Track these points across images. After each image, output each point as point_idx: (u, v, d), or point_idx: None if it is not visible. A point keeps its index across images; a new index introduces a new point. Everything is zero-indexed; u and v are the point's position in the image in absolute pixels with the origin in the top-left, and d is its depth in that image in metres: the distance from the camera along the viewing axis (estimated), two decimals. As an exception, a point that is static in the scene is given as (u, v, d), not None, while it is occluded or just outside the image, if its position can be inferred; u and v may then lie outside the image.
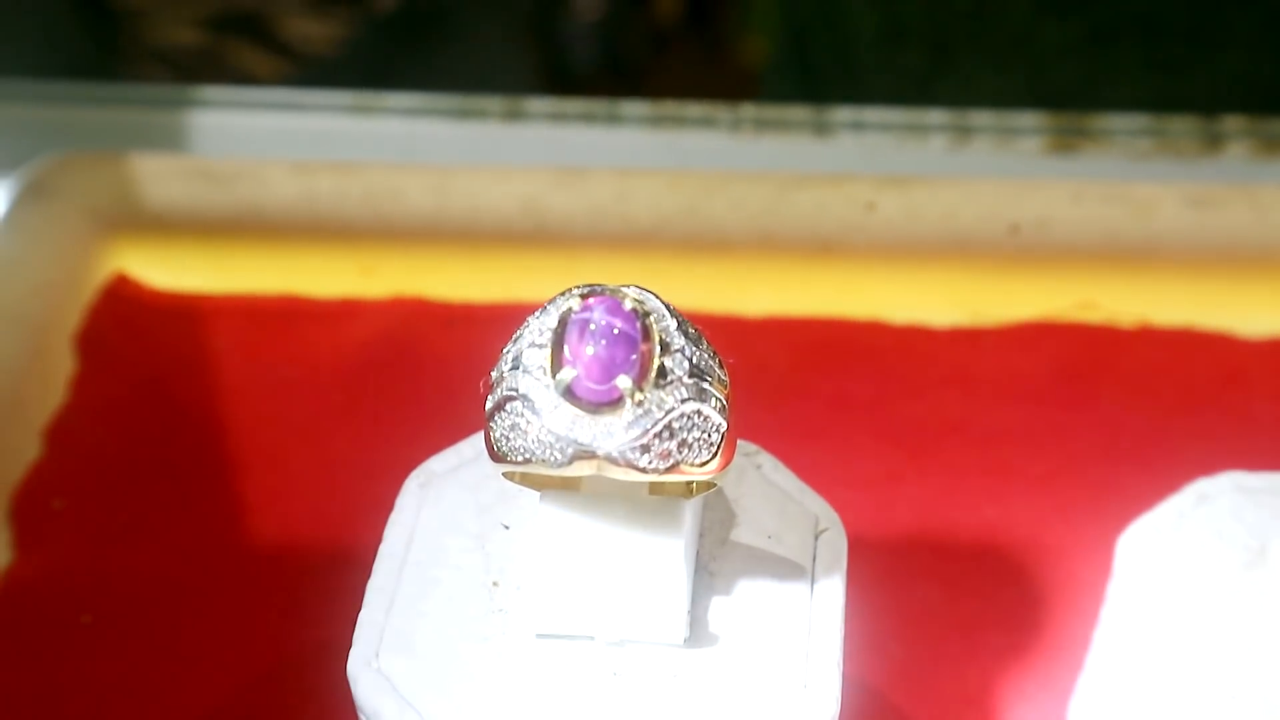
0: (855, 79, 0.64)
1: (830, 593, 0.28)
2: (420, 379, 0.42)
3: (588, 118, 0.52)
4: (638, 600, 0.27)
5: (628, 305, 0.25)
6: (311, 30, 0.70)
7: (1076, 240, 0.43)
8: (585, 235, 0.43)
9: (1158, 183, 0.43)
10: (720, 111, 0.53)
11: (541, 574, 0.27)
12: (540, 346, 0.25)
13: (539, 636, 0.27)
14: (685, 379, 0.25)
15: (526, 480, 0.27)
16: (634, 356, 0.24)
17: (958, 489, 0.39)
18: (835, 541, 0.29)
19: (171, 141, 0.49)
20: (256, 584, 0.37)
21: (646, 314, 0.25)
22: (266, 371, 0.42)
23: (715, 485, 0.27)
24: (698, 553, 0.29)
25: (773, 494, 0.30)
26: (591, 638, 0.27)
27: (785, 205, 0.43)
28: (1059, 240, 0.43)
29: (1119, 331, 0.43)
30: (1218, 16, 0.59)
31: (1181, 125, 0.52)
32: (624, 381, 0.24)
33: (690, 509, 0.27)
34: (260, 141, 0.48)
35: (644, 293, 0.26)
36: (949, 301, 0.44)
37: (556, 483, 0.27)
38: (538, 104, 0.52)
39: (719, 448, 0.25)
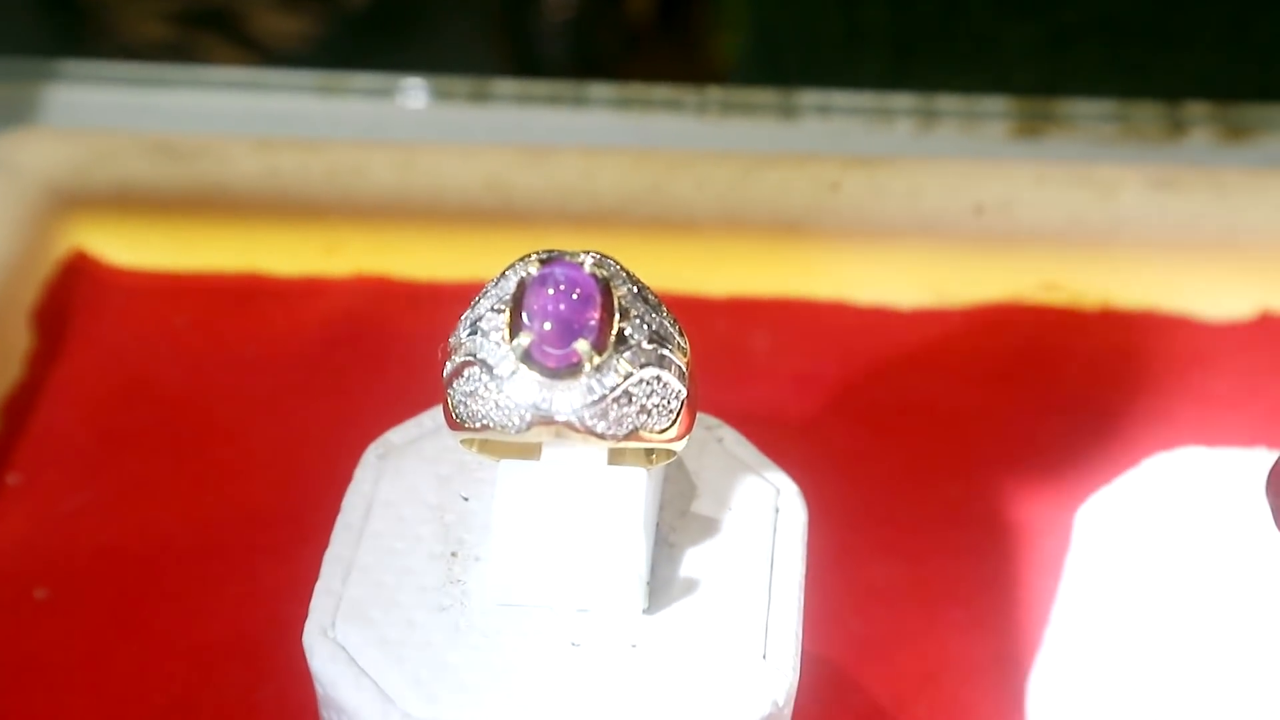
0: (821, 80, 0.64)
1: (790, 565, 0.28)
2: (383, 357, 0.42)
3: (554, 100, 0.52)
4: (597, 570, 0.27)
5: (587, 269, 0.24)
6: (281, 26, 0.69)
7: (1040, 222, 0.43)
8: (550, 214, 0.43)
9: (1121, 165, 0.43)
10: (687, 94, 0.53)
11: (500, 543, 0.27)
12: (498, 311, 0.25)
13: (497, 606, 0.27)
14: (645, 344, 0.25)
15: (485, 448, 0.27)
16: (592, 321, 0.24)
17: (920, 466, 0.39)
18: (795, 514, 0.29)
19: (134, 121, 0.49)
20: (216, 560, 0.36)
21: (606, 279, 0.25)
22: (228, 349, 0.42)
23: (675, 455, 0.27)
24: (658, 524, 0.28)
25: (734, 467, 0.30)
26: (550, 607, 0.27)
27: (750, 185, 0.43)
28: (1023, 222, 0.43)
29: (1081, 313, 0.43)
30: (1180, 17, 0.59)
31: (1145, 111, 0.52)
32: (582, 346, 0.24)
33: (650, 479, 0.27)
34: (224, 122, 0.48)
35: (603, 258, 0.25)
36: (913, 282, 0.44)
37: (515, 451, 0.27)
38: (504, 85, 0.52)
39: (678, 415, 0.25)
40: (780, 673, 0.26)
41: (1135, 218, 0.42)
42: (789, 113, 0.52)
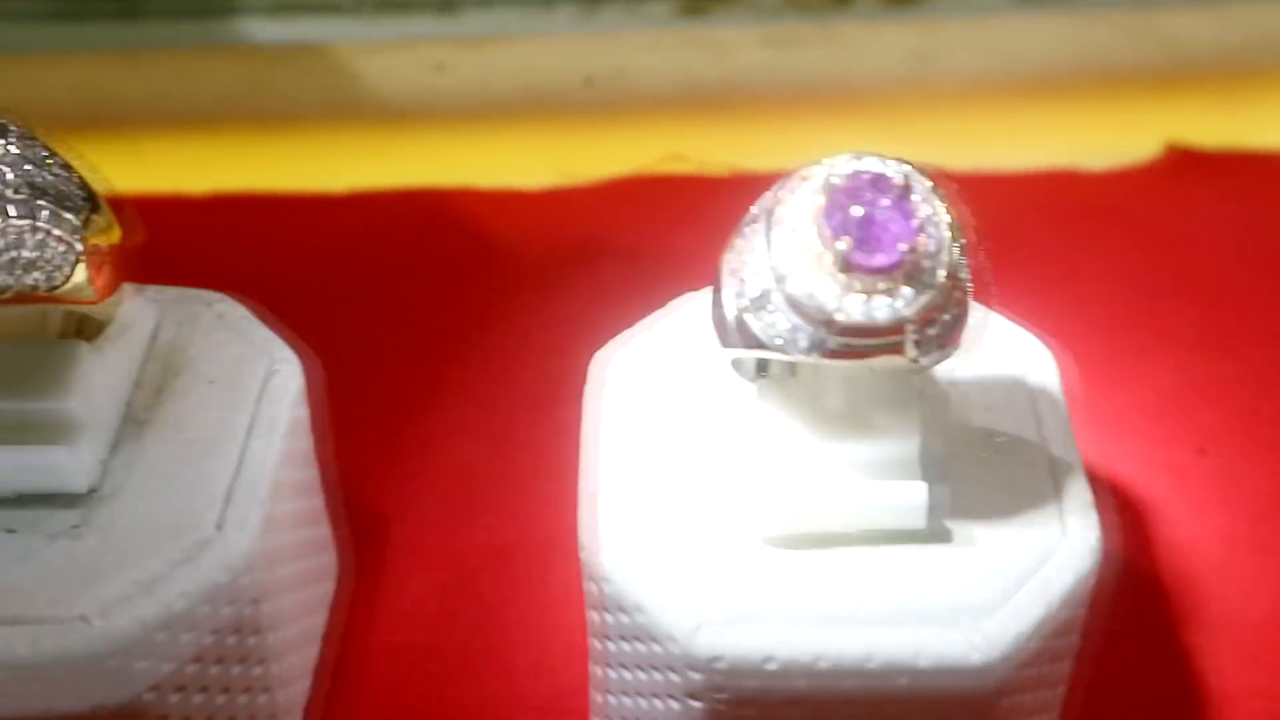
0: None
1: (273, 429, 0.27)
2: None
3: (205, 12, 0.50)
4: (32, 454, 0.25)
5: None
6: None
7: (656, 90, 0.42)
8: (148, 118, 0.41)
9: (734, 26, 0.42)
10: (344, -1, 0.51)
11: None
12: None
13: None
14: (13, 197, 0.23)
15: None
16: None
17: (523, 345, 0.38)
18: (289, 382, 0.28)
19: None
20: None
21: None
22: None
23: (106, 324, 0.25)
24: (129, 402, 0.27)
25: (230, 341, 0.28)
26: None
27: (352, 74, 0.41)
28: (638, 90, 0.42)
29: (711, 180, 0.42)
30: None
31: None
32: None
33: (98, 354, 0.26)
34: None
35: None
36: (536, 163, 0.42)
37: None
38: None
39: (71, 272, 0.24)
40: (239, 537, 0.25)
41: (753, 78, 0.42)
42: (448, 8, 0.50)
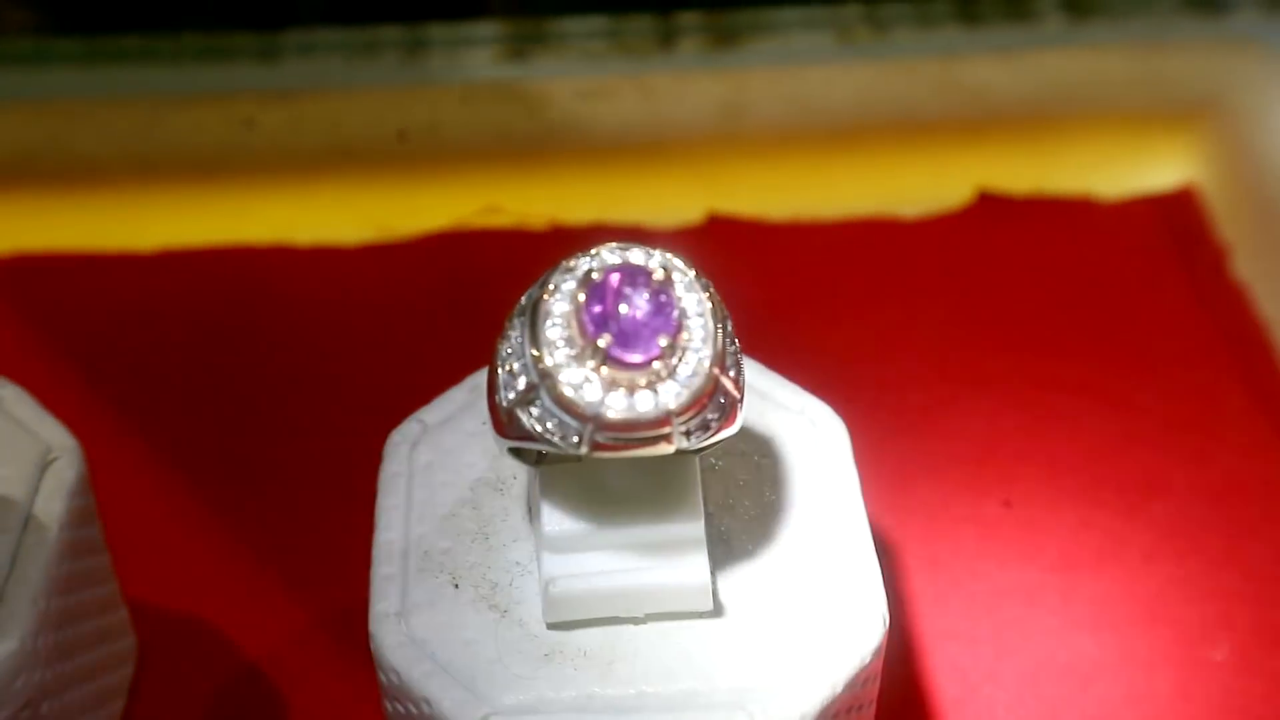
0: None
1: (50, 523, 0.26)
2: None
3: (14, 58, 0.49)
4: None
5: None
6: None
7: (470, 143, 0.41)
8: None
9: (546, 78, 0.42)
10: (162, 42, 0.50)
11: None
12: None
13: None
14: None
15: None
16: None
17: (334, 413, 0.37)
18: (67, 472, 0.27)
19: None
20: None
21: None
22: None
23: None
24: None
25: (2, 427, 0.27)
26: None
27: (159, 129, 0.40)
28: (452, 144, 0.41)
29: (530, 233, 0.42)
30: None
31: (638, 24, 0.51)
32: None
33: None
34: None
35: None
36: (353, 218, 0.42)
37: None
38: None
39: None
40: (8, 640, 0.24)
41: (567, 129, 0.41)
42: (268, 56, 0.49)
